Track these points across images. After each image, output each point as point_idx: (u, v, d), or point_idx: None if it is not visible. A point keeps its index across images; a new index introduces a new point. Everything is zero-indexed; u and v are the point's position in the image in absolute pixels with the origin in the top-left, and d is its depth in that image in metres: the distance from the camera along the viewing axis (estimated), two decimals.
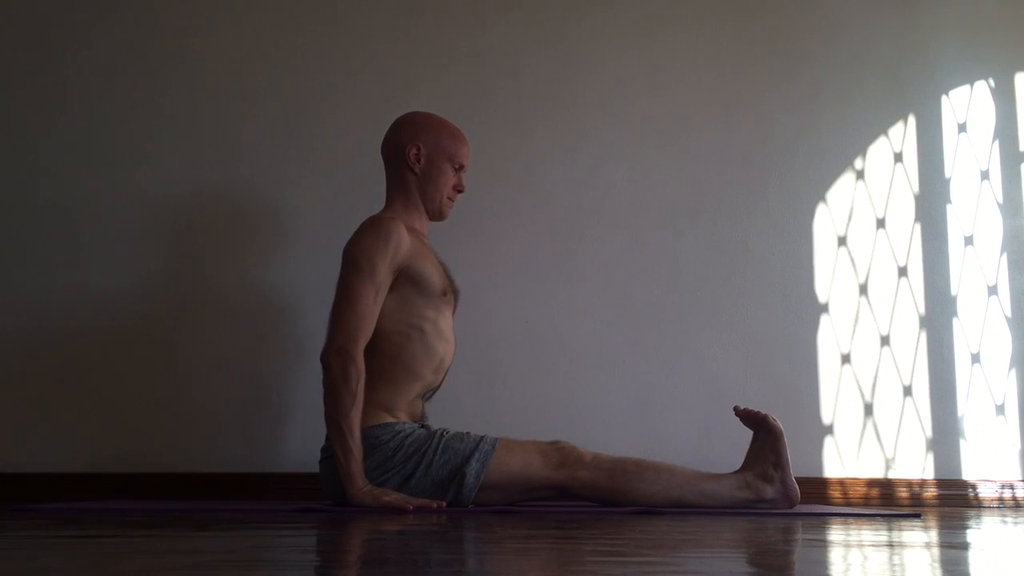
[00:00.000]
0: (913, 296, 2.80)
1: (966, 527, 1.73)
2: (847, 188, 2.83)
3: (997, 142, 2.88)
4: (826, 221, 2.82)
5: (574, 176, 2.80)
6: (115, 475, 2.60)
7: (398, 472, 2.16)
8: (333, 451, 2.14)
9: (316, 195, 2.75)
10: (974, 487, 2.70)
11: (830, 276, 2.80)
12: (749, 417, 2.26)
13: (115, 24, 2.82)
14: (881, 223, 2.83)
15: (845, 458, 2.71)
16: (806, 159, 2.84)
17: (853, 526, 1.73)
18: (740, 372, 2.74)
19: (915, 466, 2.72)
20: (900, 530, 1.62)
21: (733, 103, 2.85)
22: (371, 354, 2.20)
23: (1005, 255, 2.83)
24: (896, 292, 2.80)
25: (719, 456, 2.46)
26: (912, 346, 2.78)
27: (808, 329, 2.77)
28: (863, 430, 2.73)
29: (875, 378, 2.76)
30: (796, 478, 2.23)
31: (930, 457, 2.73)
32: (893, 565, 1.08)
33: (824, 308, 2.78)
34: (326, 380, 2.16)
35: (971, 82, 2.89)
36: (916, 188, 2.85)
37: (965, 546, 1.32)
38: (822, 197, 2.83)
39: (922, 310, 2.79)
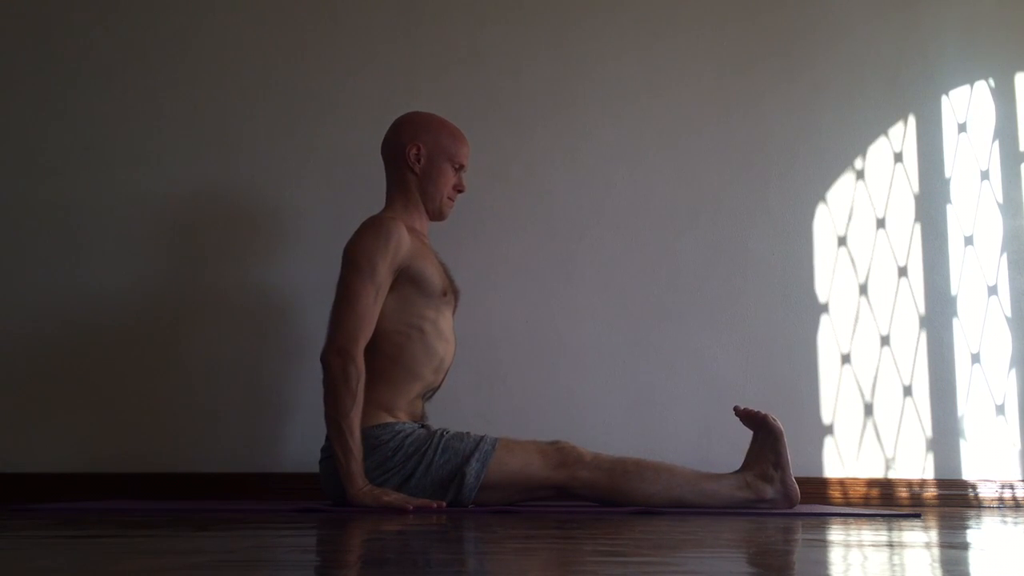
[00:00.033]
0: (913, 296, 2.80)
1: (966, 527, 1.73)
2: (847, 188, 2.83)
3: (997, 142, 2.88)
4: (826, 221, 2.82)
5: (574, 176, 2.80)
6: (115, 475, 2.60)
7: (398, 472, 2.16)
8: (333, 451, 2.14)
9: (316, 195, 2.75)
10: (974, 487, 2.70)
11: (830, 276, 2.80)
12: (749, 417, 2.26)
13: (115, 24, 2.82)
14: (881, 223, 2.83)
15: (845, 458, 2.71)
16: (806, 159, 2.84)
17: (853, 526, 1.73)
18: (740, 372, 2.74)
19: (915, 466, 2.72)
20: (900, 530, 1.62)
21: (733, 103, 2.85)
22: (371, 354, 2.20)
23: (1005, 255, 2.83)
24: (896, 292, 2.80)
25: (719, 456, 2.46)
26: (912, 346, 2.78)
27: (808, 329, 2.77)
28: (863, 430, 2.73)
29: (875, 378, 2.76)
30: (796, 478, 2.23)
31: (930, 457, 2.73)
32: (893, 565, 1.08)
33: (824, 308, 2.78)
34: (326, 380, 2.16)
35: (971, 82, 2.89)
36: (916, 188, 2.85)
37: (965, 546, 1.32)
38: (822, 197, 2.83)
39: (922, 310, 2.79)
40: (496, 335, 2.72)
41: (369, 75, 2.81)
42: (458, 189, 2.41)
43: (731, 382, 2.72)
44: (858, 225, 2.82)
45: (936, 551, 1.25)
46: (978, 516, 2.13)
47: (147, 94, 2.79)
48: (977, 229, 2.83)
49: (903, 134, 2.86)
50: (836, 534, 1.52)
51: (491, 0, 2.87)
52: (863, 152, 2.85)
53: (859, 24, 2.90)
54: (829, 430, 2.73)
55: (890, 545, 1.33)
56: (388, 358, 2.24)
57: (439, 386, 2.34)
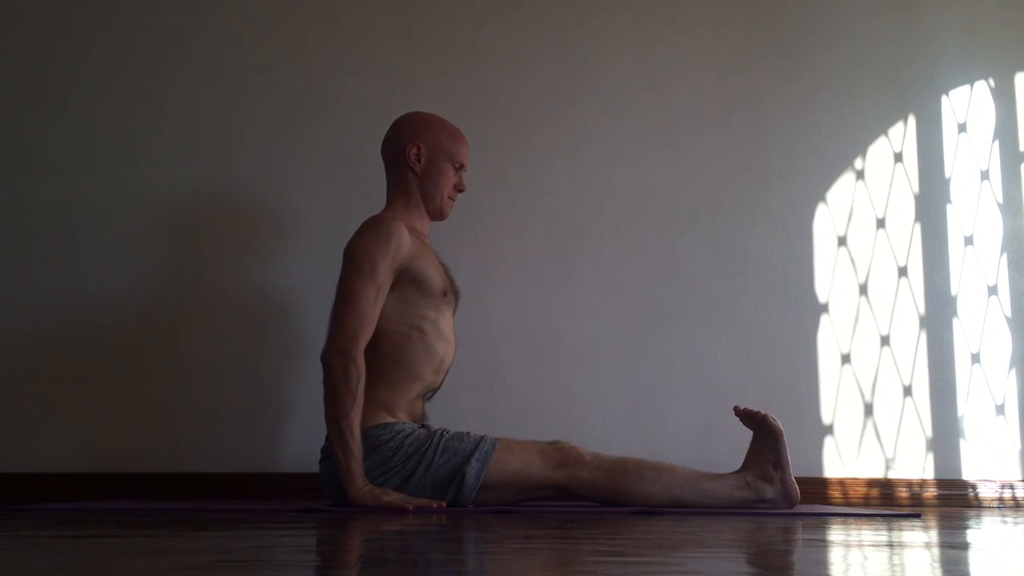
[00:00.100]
0: (913, 296, 2.80)
1: (966, 527, 1.73)
2: (847, 188, 2.83)
3: (997, 142, 2.88)
4: (826, 221, 2.82)
5: (574, 176, 2.80)
6: (115, 475, 2.60)
7: (398, 472, 2.16)
8: (333, 451, 2.14)
9: (316, 195, 2.75)
10: (974, 487, 2.70)
11: (830, 276, 2.80)
12: (749, 417, 2.26)
13: (115, 24, 2.82)
14: (881, 223, 2.83)
15: (845, 458, 2.71)
16: (806, 159, 2.84)
17: (853, 526, 1.73)
18: (740, 372, 2.74)
19: (915, 466, 2.72)
20: (900, 530, 1.62)
21: (733, 103, 2.85)
22: (371, 354, 2.20)
23: (1005, 255, 2.83)
24: (896, 292, 2.80)
25: (719, 456, 2.46)
26: (912, 346, 2.78)
27: (808, 329, 2.77)
28: (863, 430, 2.73)
29: (875, 378, 2.76)
30: (796, 478, 2.23)
31: (930, 457, 2.73)
32: (893, 565, 1.08)
33: (824, 308, 2.78)
34: (326, 380, 2.16)
35: (971, 82, 2.89)
36: (916, 188, 2.85)
37: (965, 546, 1.32)
38: (822, 197, 2.83)
39: (922, 310, 2.79)
40: (496, 335, 2.72)
41: (369, 75, 2.81)
42: (458, 189, 2.41)
43: (731, 382, 2.72)
44: (858, 225, 2.82)
45: (936, 551, 1.25)
46: (978, 516, 2.13)
47: (147, 94, 2.79)
48: (977, 229, 2.83)
49: (903, 134, 2.86)
50: (836, 534, 1.52)
51: (491, 0, 2.87)
52: (863, 152, 2.85)
53: (859, 24, 2.90)
54: (829, 430, 2.73)
55: (890, 545, 1.33)
56: (388, 358, 2.24)
57: (439, 386, 2.34)
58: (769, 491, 2.20)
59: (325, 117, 2.79)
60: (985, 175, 2.86)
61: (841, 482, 2.69)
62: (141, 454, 2.63)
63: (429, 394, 2.32)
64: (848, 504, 2.64)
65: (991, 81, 2.90)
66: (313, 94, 2.80)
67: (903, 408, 2.75)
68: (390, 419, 2.22)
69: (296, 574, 0.98)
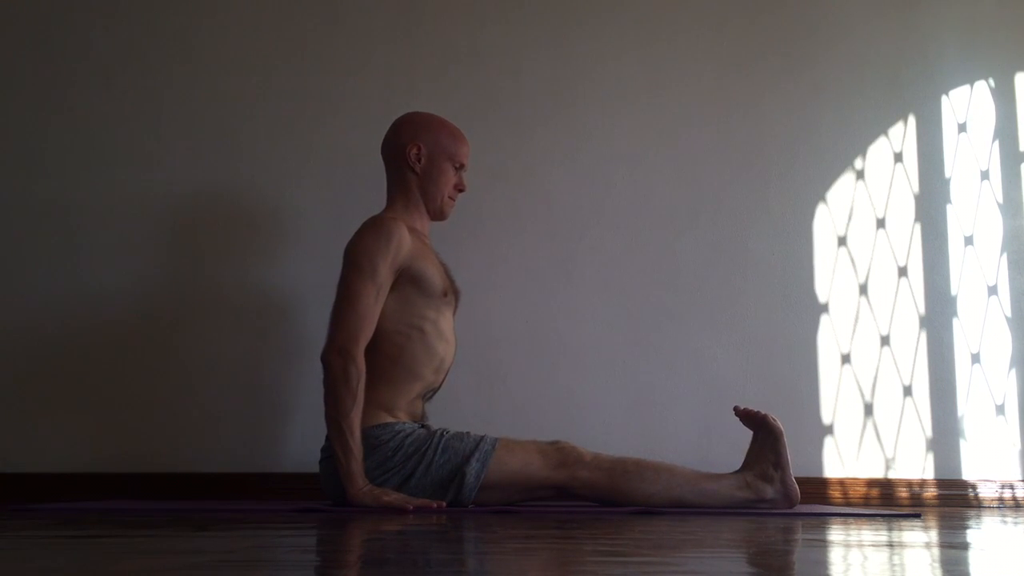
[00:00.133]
0: (913, 296, 2.80)
1: (966, 527, 1.73)
2: (847, 188, 2.83)
3: (997, 142, 2.88)
4: (826, 221, 2.82)
5: (574, 176, 2.80)
6: (115, 475, 2.60)
7: (398, 472, 2.16)
8: (333, 451, 2.14)
9: (316, 195, 2.75)
10: (974, 487, 2.70)
11: (830, 276, 2.80)
12: (749, 417, 2.26)
13: (115, 24, 2.82)
14: (881, 223, 2.83)
15: (845, 458, 2.71)
16: (806, 159, 2.84)
17: (853, 526, 1.73)
18: (740, 372, 2.74)
19: (915, 466, 2.72)
20: (900, 530, 1.62)
21: (733, 103, 2.85)
22: (371, 354, 2.20)
23: (1005, 255, 2.83)
24: (896, 292, 2.80)
25: (719, 456, 2.46)
26: (912, 346, 2.78)
27: (808, 329, 2.77)
28: (863, 430, 2.73)
29: (875, 378, 2.76)
30: (796, 478, 2.23)
31: (930, 457, 2.73)
32: (893, 565, 1.08)
33: (824, 308, 2.78)
34: (326, 380, 2.16)
35: (971, 82, 2.89)
36: (916, 188, 2.85)
37: (965, 546, 1.32)
38: (822, 197, 2.83)
39: (922, 310, 2.79)
40: (496, 335, 2.72)
41: (369, 75, 2.81)
42: (459, 188, 2.41)
43: (731, 382, 2.72)
44: (858, 225, 2.82)
45: (936, 551, 1.25)
46: (978, 516, 2.13)
47: (147, 94, 2.79)
48: (977, 229, 2.83)
49: (903, 134, 2.86)
50: (836, 534, 1.52)
51: (491, 0, 2.87)
52: (863, 152, 2.85)
53: (859, 24, 2.90)
54: (829, 430, 2.73)
55: (890, 545, 1.33)
56: (388, 358, 2.24)
57: (439, 386, 2.34)
58: (769, 491, 2.20)
59: (325, 117, 2.79)
60: (985, 175, 2.86)
61: (841, 482, 2.69)
62: (141, 454, 2.63)
63: (429, 394, 2.32)
64: (848, 504, 2.64)
65: (991, 81, 2.90)
66: (313, 94, 2.80)
67: (903, 408, 2.75)
68: (390, 419, 2.22)
69: (296, 574, 0.98)
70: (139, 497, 2.55)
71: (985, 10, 2.92)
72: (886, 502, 2.68)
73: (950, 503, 2.68)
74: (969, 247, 2.82)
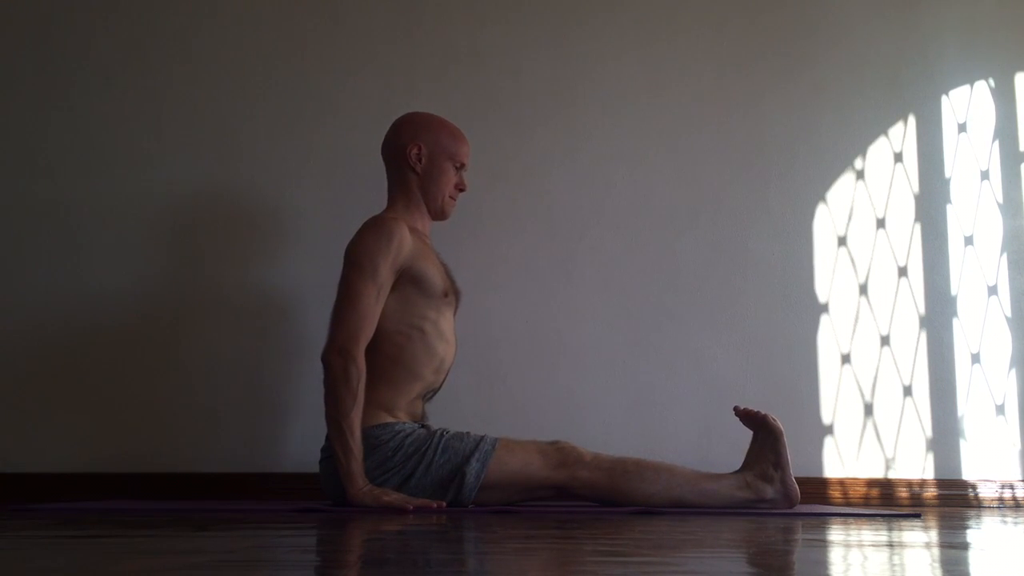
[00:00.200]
0: (913, 296, 2.80)
1: (966, 527, 1.73)
2: (847, 188, 2.83)
3: (997, 142, 2.88)
4: (826, 221, 2.82)
5: (574, 176, 2.80)
6: (115, 475, 2.60)
7: (398, 472, 2.16)
8: (333, 451, 2.14)
9: (316, 195, 2.75)
10: (974, 487, 2.70)
11: (830, 276, 2.80)
12: (749, 417, 2.26)
13: (115, 24, 2.82)
14: (881, 223, 2.83)
15: (845, 458, 2.71)
16: (806, 159, 2.84)
17: (853, 526, 1.73)
18: (740, 372, 2.74)
19: (915, 466, 2.72)
20: (900, 530, 1.62)
21: (733, 103, 2.85)
22: (372, 354, 2.20)
23: (1005, 255, 2.83)
24: (896, 292, 2.80)
25: (719, 456, 2.46)
26: (912, 346, 2.78)
27: (808, 329, 2.77)
28: (863, 430, 2.73)
29: (875, 378, 2.76)
30: (796, 478, 2.23)
31: (930, 457, 2.73)
32: (893, 565, 1.08)
33: (824, 308, 2.78)
34: (327, 380, 2.16)
35: (971, 82, 2.89)
36: (916, 188, 2.85)
37: (965, 546, 1.32)
38: (822, 197, 2.83)
39: (922, 310, 2.79)
40: (496, 335, 2.72)
41: (369, 75, 2.81)
42: (460, 188, 2.42)
43: (731, 382, 2.72)
44: (858, 225, 2.82)
45: (936, 551, 1.25)
46: (978, 516, 2.13)
47: (147, 94, 2.79)
48: (977, 229, 2.83)
49: (903, 134, 2.86)
50: (836, 534, 1.52)
51: (491, 0, 2.87)
52: (863, 152, 2.85)
53: (859, 24, 2.90)
54: (829, 430, 2.73)
55: (890, 545, 1.33)
56: (389, 358, 2.24)
57: (440, 387, 2.34)
58: (769, 491, 2.20)
59: (325, 117, 2.79)
60: (985, 175, 2.86)
61: (841, 482, 2.69)
62: (141, 454, 2.63)
63: (429, 394, 2.32)
64: (848, 504, 2.64)
65: (991, 81, 2.90)
66: (313, 94, 2.80)
67: (903, 408, 2.75)
68: (390, 419, 2.22)
69: (296, 574, 0.98)
70: (139, 497, 2.55)
71: (985, 10, 2.92)
72: (886, 502, 2.68)
73: (950, 503, 2.68)
74: (969, 247, 2.82)
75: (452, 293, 2.35)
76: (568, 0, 2.87)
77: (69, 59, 2.79)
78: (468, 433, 2.22)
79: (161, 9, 2.82)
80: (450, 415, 2.43)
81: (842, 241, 2.81)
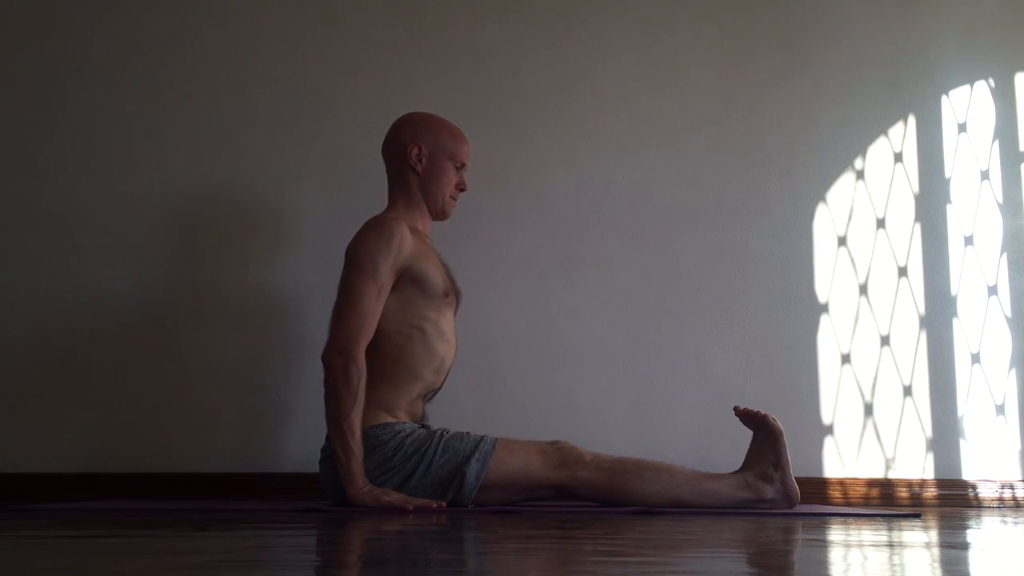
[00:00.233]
0: (913, 296, 2.80)
1: (966, 527, 1.73)
2: (847, 188, 2.83)
3: (997, 142, 2.88)
4: (826, 221, 2.82)
5: (574, 176, 2.80)
6: (115, 475, 2.60)
7: (398, 472, 2.16)
8: (333, 451, 2.14)
9: (316, 195, 2.75)
10: (974, 487, 2.70)
11: (830, 276, 2.80)
12: (749, 417, 2.26)
13: (115, 24, 2.82)
14: (881, 223, 2.83)
15: (845, 458, 2.71)
16: (806, 159, 2.84)
17: (853, 526, 1.73)
18: (740, 372, 2.74)
19: (915, 466, 2.72)
20: (900, 530, 1.62)
21: (733, 103, 2.85)
22: (372, 354, 2.20)
23: (1005, 255, 2.83)
24: (896, 292, 2.80)
25: (719, 456, 2.46)
26: (912, 346, 2.78)
27: (808, 329, 2.77)
28: (863, 430, 2.73)
29: (875, 378, 2.76)
30: (796, 478, 2.23)
31: (930, 457, 2.73)
32: (893, 565, 1.08)
33: (824, 308, 2.78)
34: (327, 380, 2.16)
35: (971, 82, 2.89)
36: (916, 188, 2.85)
37: (965, 546, 1.32)
38: (822, 197, 2.83)
39: (922, 310, 2.79)
40: (496, 335, 2.72)
41: (369, 75, 2.81)
42: (460, 188, 2.42)
43: (731, 382, 2.72)
44: (858, 225, 2.82)
45: (936, 551, 1.25)
46: (978, 516, 2.13)
47: (147, 94, 2.79)
48: (977, 229, 2.83)
49: (903, 134, 2.86)
50: (836, 534, 1.52)
51: (491, 0, 2.87)
52: (863, 152, 2.85)
53: (859, 24, 2.90)
54: (829, 430, 2.73)
55: (890, 545, 1.33)
56: (389, 358, 2.24)
57: (440, 387, 2.34)
58: (769, 491, 2.20)
59: (325, 117, 2.79)
60: (985, 175, 2.86)
61: (841, 482, 2.69)
62: (141, 454, 2.63)
63: (430, 395, 2.32)
64: (848, 504, 2.64)
65: (991, 81, 2.90)
66: (313, 94, 2.80)
67: (903, 408, 2.75)
68: (390, 419, 2.22)
69: (296, 574, 0.98)
70: (139, 497, 2.55)
71: (985, 10, 2.92)
72: (886, 502, 2.68)
73: (950, 503, 2.68)
74: (969, 247, 2.82)
75: (452, 293, 2.35)
76: (568, 0, 2.88)
77: (69, 59, 2.79)
78: (468, 433, 2.22)
79: (161, 9, 2.82)
80: (450, 415, 2.43)
81: (842, 241, 2.81)
